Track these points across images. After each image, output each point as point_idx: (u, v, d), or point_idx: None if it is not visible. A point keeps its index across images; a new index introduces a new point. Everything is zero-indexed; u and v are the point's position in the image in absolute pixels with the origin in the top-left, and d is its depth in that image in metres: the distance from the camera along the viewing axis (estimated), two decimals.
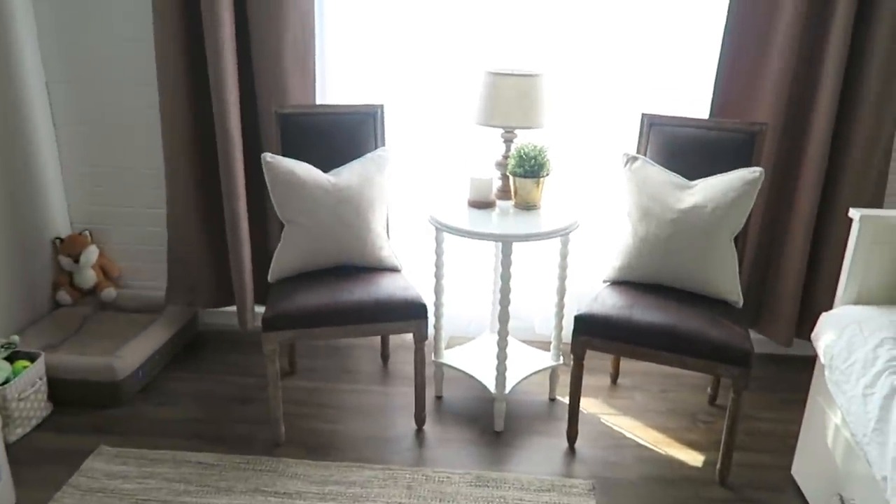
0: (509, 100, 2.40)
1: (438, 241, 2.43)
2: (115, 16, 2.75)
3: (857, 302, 2.03)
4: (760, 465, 2.26)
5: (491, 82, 2.41)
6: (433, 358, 2.58)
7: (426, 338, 2.32)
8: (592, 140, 2.75)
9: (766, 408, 2.58)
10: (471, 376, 2.50)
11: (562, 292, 2.49)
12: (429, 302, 2.33)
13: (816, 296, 2.65)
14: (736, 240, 2.26)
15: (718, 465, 2.17)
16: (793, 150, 2.59)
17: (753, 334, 2.79)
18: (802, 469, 2.15)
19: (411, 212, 2.84)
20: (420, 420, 2.43)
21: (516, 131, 2.51)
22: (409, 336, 2.32)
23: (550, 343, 2.61)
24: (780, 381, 2.75)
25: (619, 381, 2.74)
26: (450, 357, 2.60)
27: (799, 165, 2.58)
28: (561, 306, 2.51)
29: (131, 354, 2.58)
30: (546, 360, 2.59)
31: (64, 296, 2.95)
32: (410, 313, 2.27)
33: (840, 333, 1.92)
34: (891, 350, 1.77)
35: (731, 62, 2.55)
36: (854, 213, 2.01)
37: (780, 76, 2.47)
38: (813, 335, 2.06)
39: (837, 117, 2.47)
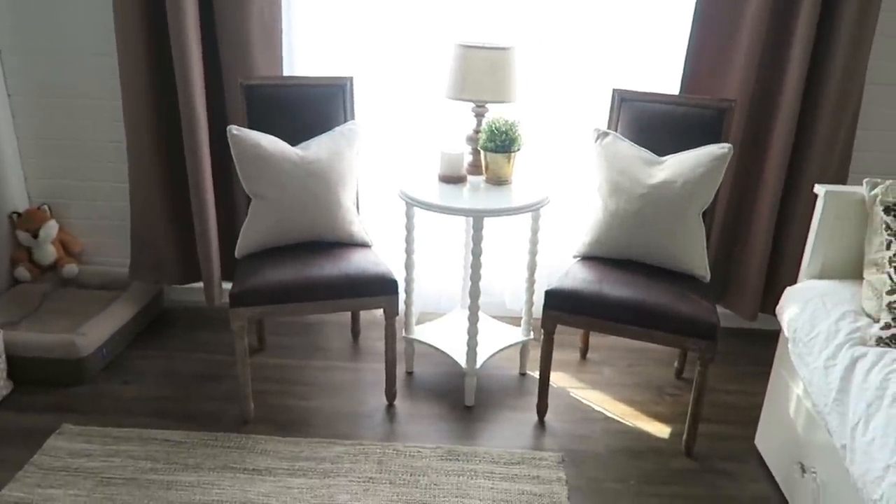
0: (480, 73, 2.37)
1: (409, 217, 2.40)
2: None
3: (820, 276, 2.07)
4: (725, 436, 2.31)
5: (462, 55, 2.38)
6: (404, 334, 2.57)
7: (397, 314, 2.30)
8: (564, 115, 2.74)
9: (730, 381, 2.63)
10: (441, 352, 2.50)
11: (532, 267, 2.49)
12: (399, 277, 2.31)
13: (782, 271, 2.70)
14: (704, 215, 2.29)
15: (684, 437, 2.21)
16: (760, 126, 2.61)
17: (719, 309, 2.83)
18: (765, 439, 2.20)
19: (381, 186, 2.80)
20: (391, 396, 2.43)
21: (487, 105, 2.49)
22: (380, 312, 2.31)
23: (521, 318, 2.62)
24: (744, 355, 2.80)
25: (589, 355, 2.77)
26: (420, 333, 2.60)
27: (767, 141, 2.61)
28: (531, 281, 2.51)
29: (94, 331, 2.52)
30: (516, 335, 2.60)
31: (23, 272, 2.87)
32: (381, 289, 2.25)
33: (803, 307, 1.95)
34: (852, 323, 1.81)
35: (702, 38, 2.55)
36: (819, 188, 2.04)
37: (750, 52, 2.48)
38: (777, 309, 2.10)
39: (804, 93, 2.49)
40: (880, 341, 1.72)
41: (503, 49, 2.36)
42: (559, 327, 2.21)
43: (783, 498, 2.02)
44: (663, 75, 2.66)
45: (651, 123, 2.42)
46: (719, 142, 2.30)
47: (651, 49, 2.66)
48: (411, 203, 2.34)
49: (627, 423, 2.37)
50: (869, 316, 1.84)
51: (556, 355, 2.69)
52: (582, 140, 2.65)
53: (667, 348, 2.73)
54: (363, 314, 2.90)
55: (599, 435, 2.30)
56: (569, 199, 2.79)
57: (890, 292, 1.76)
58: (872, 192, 1.94)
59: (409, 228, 2.42)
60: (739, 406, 2.47)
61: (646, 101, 2.44)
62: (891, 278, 1.78)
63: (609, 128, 2.49)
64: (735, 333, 2.93)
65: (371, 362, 2.69)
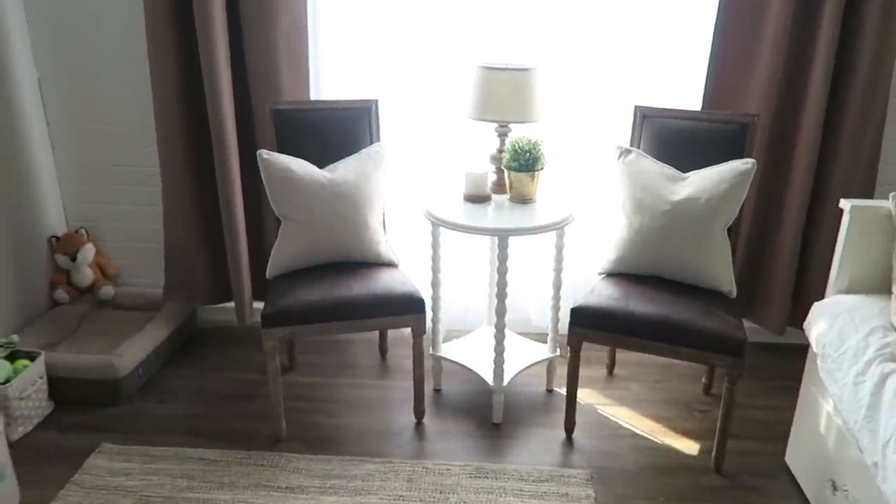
0: (503, 94, 2.41)
1: (435, 236, 2.44)
2: (106, 12, 2.74)
3: (848, 291, 2.06)
4: (755, 452, 2.30)
5: (484, 77, 2.42)
6: (431, 351, 2.60)
7: (424, 332, 2.34)
8: (586, 133, 2.77)
9: (759, 396, 2.62)
10: (469, 369, 2.52)
11: (558, 285, 2.51)
12: (426, 296, 2.35)
13: (809, 285, 2.68)
14: (729, 230, 2.29)
15: (714, 453, 2.21)
16: (784, 140, 2.61)
17: (747, 323, 2.81)
18: (796, 456, 2.19)
19: (408, 207, 2.85)
20: (419, 413, 2.46)
21: (510, 125, 2.52)
22: (408, 330, 2.34)
23: (547, 335, 2.64)
24: (773, 370, 2.78)
25: (616, 371, 2.78)
26: (447, 350, 2.63)
27: (790, 156, 2.60)
28: (557, 298, 2.53)
29: (130, 352, 2.59)
30: (543, 351, 2.62)
31: (61, 294, 2.96)
32: (408, 308, 2.29)
33: (832, 323, 1.95)
34: (881, 338, 1.80)
35: (723, 53, 2.56)
36: (844, 203, 2.04)
37: (772, 66, 2.49)
38: (805, 324, 2.09)
39: (828, 106, 2.49)
40: None
41: (525, 70, 2.40)
42: (585, 344, 2.23)
43: None
44: (685, 91, 2.68)
45: (673, 140, 2.43)
46: (742, 157, 2.31)
47: (672, 65, 2.68)
48: (437, 223, 2.38)
49: (656, 439, 2.37)
50: None
51: (583, 372, 2.70)
52: (605, 157, 2.67)
53: (694, 364, 2.72)
54: (391, 332, 2.94)
55: (628, 451, 2.30)
56: (593, 216, 2.81)
57: None
58: None
59: (435, 248, 2.46)
60: (769, 422, 2.46)
61: (668, 117, 2.46)
62: None
63: (632, 145, 2.51)
64: (763, 348, 2.92)
65: (399, 380, 2.72)
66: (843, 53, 2.45)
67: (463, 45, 2.70)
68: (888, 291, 1.97)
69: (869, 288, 2.05)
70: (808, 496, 2.07)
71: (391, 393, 2.65)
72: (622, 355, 2.82)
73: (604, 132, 2.74)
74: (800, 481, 2.13)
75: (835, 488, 1.89)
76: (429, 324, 2.50)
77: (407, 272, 2.48)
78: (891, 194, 1.98)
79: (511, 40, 2.70)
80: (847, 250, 2.04)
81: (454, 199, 2.52)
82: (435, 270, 2.50)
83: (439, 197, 2.54)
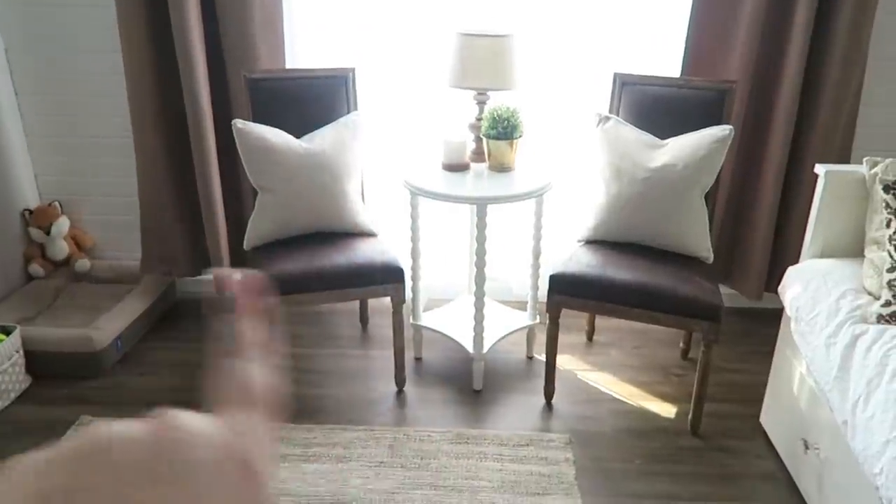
0: (481, 61, 2.39)
1: (413, 205, 2.43)
2: None
3: (822, 255, 2.09)
4: (730, 414, 2.34)
5: (462, 44, 2.39)
6: (411, 321, 2.61)
7: (404, 301, 2.34)
8: (565, 100, 2.75)
9: (736, 360, 2.66)
10: (449, 337, 2.53)
11: (537, 253, 2.52)
12: (406, 265, 2.35)
13: (786, 250, 2.71)
14: (707, 196, 2.30)
15: (690, 416, 2.25)
16: (762, 106, 2.62)
17: (724, 289, 2.85)
18: (770, 417, 2.23)
19: (386, 176, 2.83)
20: (400, 382, 2.47)
21: (489, 93, 2.50)
22: (388, 300, 2.35)
23: (527, 303, 2.65)
24: (749, 334, 2.83)
25: (595, 337, 2.80)
26: (428, 319, 2.64)
27: (769, 122, 2.61)
28: (536, 266, 2.54)
29: (108, 325, 2.57)
30: (523, 319, 2.64)
31: (36, 268, 2.92)
32: (388, 277, 2.29)
33: (805, 286, 1.97)
34: (852, 301, 1.84)
35: (702, 19, 2.55)
36: (819, 168, 2.05)
37: (750, 32, 2.48)
38: (780, 288, 2.12)
39: (805, 72, 2.49)
40: (881, 318, 1.75)
41: (503, 36, 2.38)
42: (565, 311, 2.25)
43: (788, 474, 2.06)
44: (664, 58, 2.67)
45: (652, 107, 2.43)
46: (721, 123, 2.31)
47: (651, 32, 2.66)
48: (415, 192, 2.37)
49: (633, 403, 2.41)
50: (870, 294, 1.86)
51: (563, 338, 2.71)
52: (584, 125, 2.66)
53: (672, 329, 2.75)
54: (371, 302, 2.94)
55: (606, 416, 2.34)
56: (572, 184, 2.81)
57: (890, 270, 1.78)
58: (872, 171, 1.96)
59: (414, 217, 2.46)
60: (745, 385, 2.50)
61: (646, 84, 2.45)
62: (891, 256, 1.80)
63: (610, 112, 2.50)
64: (741, 313, 2.96)
65: (380, 349, 2.73)
66: (821, 19, 2.45)
67: (441, 11, 2.66)
68: (861, 255, 2.00)
69: (842, 252, 2.07)
70: (782, 455, 2.12)
71: (372, 362, 2.66)
72: (601, 322, 2.85)
73: (583, 99, 2.72)
74: (774, 441, 2.18)
75: (806, 447, 1.94)
76: (409, 293, 2.51)
77: (386, 242, 2.47)
78: (864, 159, 1.99)
79: (489, 7, 2.66)
80: (821, 215, 2.06)
81: (433, 168, 2.50)
82: (414, 240, 2.49)
83: (418, 166, 2.52)
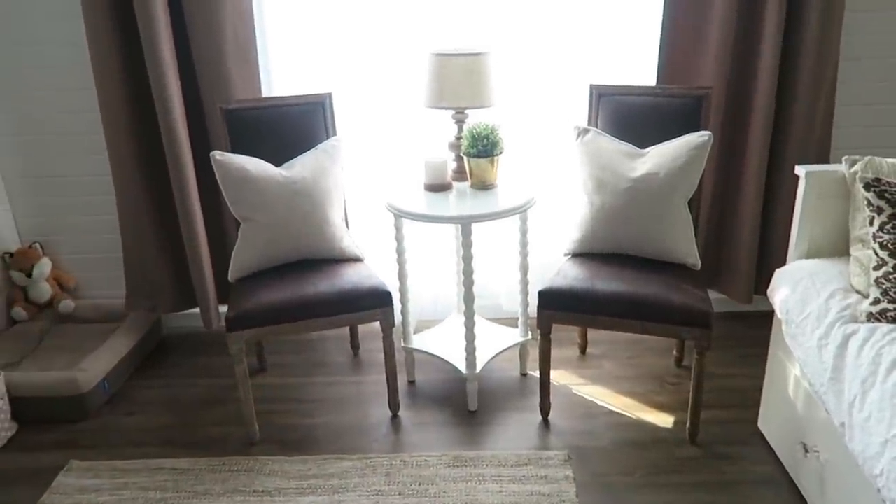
0: (457, 80, 2.39)
1: (398, 228, 2.42)
2: (45, 19, 2.65)
3: (808, 256, 2.08)
4: (728, 420, 2.32)
5: (438, 63, 2.40)
6: (402, 344, 2.58)
7: (393, 324, 2.32)
8: (544, 115, 2.76)
9: (731, 365, 2.65)
10: (441, 359, 2.51)
11: (524, 268, 2.51)
12: (393, 288, 2.32)
13: (773, 252, 2.71)
14: (690, 203, 2.30)
15: (688, 425, 2.23)
16: (739, 110, 2.63)
17: (714, 294, 2.86)
18: (767, 421, 2.21)
19: (369, 200, 2.82)
20: (394, 407, 2.44)
21: (467, 111, 2.50)
22: (377, 324, 2.32)
23: (518, 319, 2.63)
24: (743, 338, 2.82)
25: (588, 350, 2.78)
26: (419, 341, 2.61)
27: (746, 125, 2.62)
28: (525, 282, 2.53)
29: (94, 366, 2.53)
30: (514, 336, 2.62)
31: (19, 312, 2.87)
32: (376, 302, 2.27)
33: (794, 288, 1.97)
34: (841, 301, 1.83)
35: (674, 27, 2.57)
36: (800, 169, 2.06)
37: (722, 37, 2.49)
38: (769, 291, 2.12)
39: (780, 74, 2.51)
40: (871, 317, 1.74)
41: (478, 55, 2.38)
42: (556, 325, 2.23)
43: (788, 478, 2.04)
44: (640, 67, 2.68)
45: (630, 116, 2.43)
46: (699, 129, 2.32)
47: (626, 42, 2.67)
48: (399, 214, 2.35)
49: (630, 415, 2.39)
50: (858, 292, 1.86)
51: (556, 353, 2.71)
52: (564, 138, 2.66)
53: (665, 338, 2.74)
54: (361, 327, 2.91)
55: (603, 429, 2.31)
56: (556, 197, 2.80)
57: (877, 267, 1.78)
58: (852, 170, 1.96)
59: (399, 239, 2.44)
60: (741, 389, 2.49)
61: (623, 94, 2.46)
62: (877, 253, 1.79)
63: (589, 124, 2.51)
64: (733, 317, 2.95)
65: (373, 374, 2.70)
66: (792, 18, 2.47)
67: (415, 32, 2.66)
68: (847, 254, 2.00)
69: (828, 252, 2.07)
70: (782, 460, 2.10)
71: (365, 388, 2.62)
72: (594, 334, 2.83)
73: (562, 113, 2.73)
74: (773, 446, 2.16)
75: (806, 450, 1.92)
76: (398, 316, 2.48)
77: (372, 266, 2.45)
78: (843, 158, 2.00)
79: (463, 25, 2.67)
80: (805, 216, 2.06)
81: (415, 190, 2.49)
82: (400, 262, 2.47)
83: (400, 188, 2.51)
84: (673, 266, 2.30)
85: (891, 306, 1.72)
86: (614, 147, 2.36)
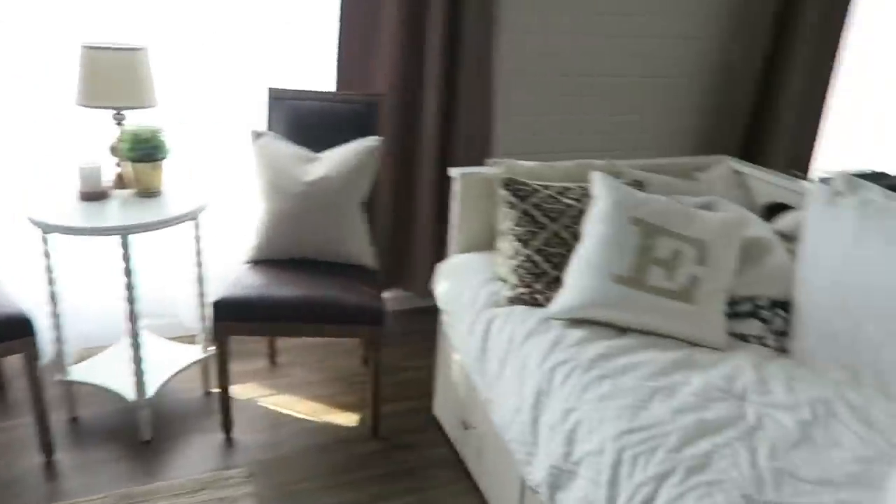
0: (112, 77, 2.16)
1: (46, 243, 2.10)
2: None
3: (466, 250, 2.28)
4: (408, 411, 2.44)
5: (90, 58, 2.15)
6: (57, 377, 2.25)
7: (37, 357, 2.00)
8: (222, 118, 2.64)
9: (412, 358, 2.79)
10: (106, 388, 2.24)
11: (200, 279, 2.36)
12: (43, 314, 2.01)
13: (447, 249, 2.94)
14: (371, 206, 2.38)
15: (370, 421, 2.29)
16: (411, 117, 2.80)
17: (400, 292, 3.01)
18: (441, 406, 2.37)
19: (12, 211, 2.41)
20: (47, 450, 2.11)
21: (125, 112, 2.28)
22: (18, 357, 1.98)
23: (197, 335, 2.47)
24: (425, 332, 2.98)
25: (278, 359, 2.72)
26: (81, 371, 2.30)
27: (418, 131, 2.81)
28: (202, 294, 2.38)
29: None
30: (195, 353, 2.45)
31: None
32: (10, 332, 1.93)
33: (451, 280, 2.14)
34: (489, 288, 2.03)
35: (349, 35, 2.64)
36: (454, 171, 2.25)
37: (392, 47, 2.63)
38: (433, 284, 2.27)
39: (446, 85, 2.72)
40: (511, 301, 1.96)
41: (134, 50, 2.18)
42: (244, 337, 2.13)
43: (458, 456, 2.20)
44: (323, 73, 2.71)
45: (307, 121, 2.44)
46: (373, 134, 2.41)
47: (308, 47, 2.68)
48: (46, 228, 2.05)
49: (316, 419, 2.38)
50: (503, 280, 2.08)
51: (244, 366, 2.61)
52: (243, 143, 2.57)
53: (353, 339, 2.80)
54: (7, 362, 2.47)
55: (287, 438, 2.27)
56: (236, 203, 2.70)
57: (512, 257, 2.01)
58: (495, 172, 2.20)
59: (49, 256, 2.12)
60: (419, 380, 2.63)
61: (300, 99, 2.46)
62: (511, 244, 2.03)
63: (268, 128, 2.46)
64: (418, 312, 3.12)
65: (24, 416, 2.30)
66: (454, 34, 2.69)
67: (71, 24, 2.35)
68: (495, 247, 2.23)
69: (482, 246, 2.29)
70: (452, 441, 2.26)
71: (14, 434, 2.23)
72: (283, 342, 2.78)
73: (241, 116, 2.64)
74: (446, 428, 2.32)
75: (465, 427, 2.10)
76: (53, 345, 2.16)
77: (9, 288, 2.09)
78: (488, 161, 2.23)
79: (128, 19, 2.43)
80: (462, 213, 2.26)
81: (69, 199, 2.19)
82: (51, 282, 2.15)
83: (48, 198, 2.19)
84: (351, 268, 2.35)
85: (526, 290, 1.96)
86: (289, 151, 2.34)
